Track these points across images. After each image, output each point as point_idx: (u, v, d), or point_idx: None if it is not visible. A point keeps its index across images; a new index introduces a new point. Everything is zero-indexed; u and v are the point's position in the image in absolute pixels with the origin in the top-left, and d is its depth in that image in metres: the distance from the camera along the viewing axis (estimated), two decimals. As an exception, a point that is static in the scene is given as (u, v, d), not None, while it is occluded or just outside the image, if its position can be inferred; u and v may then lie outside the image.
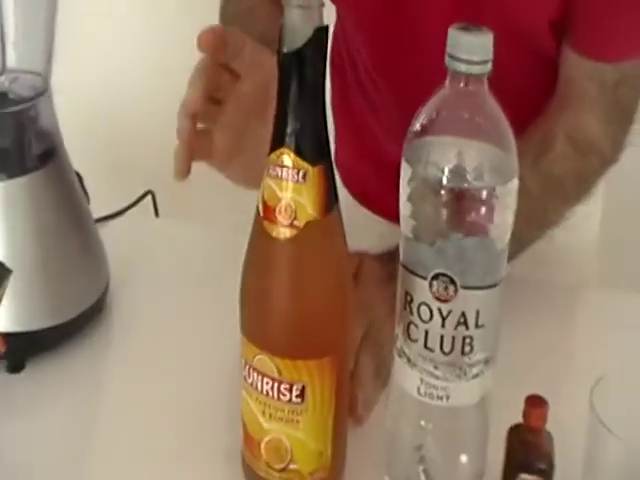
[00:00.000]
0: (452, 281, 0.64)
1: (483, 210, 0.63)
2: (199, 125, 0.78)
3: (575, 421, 0.68)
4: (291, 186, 0.64)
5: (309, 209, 0.64)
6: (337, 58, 1.14)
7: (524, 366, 0.84)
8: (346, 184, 1.18)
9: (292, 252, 0.65)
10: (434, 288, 0.65)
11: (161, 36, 1.97)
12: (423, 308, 0.66)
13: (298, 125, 0.63)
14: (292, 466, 0.71)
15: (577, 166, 0.92)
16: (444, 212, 0.63)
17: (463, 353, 0.67)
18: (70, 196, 0.85)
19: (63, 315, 0.84)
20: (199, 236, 0.99)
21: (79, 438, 0.81)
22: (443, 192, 0.62)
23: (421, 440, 0.70)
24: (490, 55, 0.61)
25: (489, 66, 0.61)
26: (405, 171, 0.64)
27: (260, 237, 0.66)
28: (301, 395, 0.68)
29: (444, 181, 0.62)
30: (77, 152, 0.89)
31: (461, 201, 0.63)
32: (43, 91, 0.81)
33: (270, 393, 0.69)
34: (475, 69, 0.61)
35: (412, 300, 0.67)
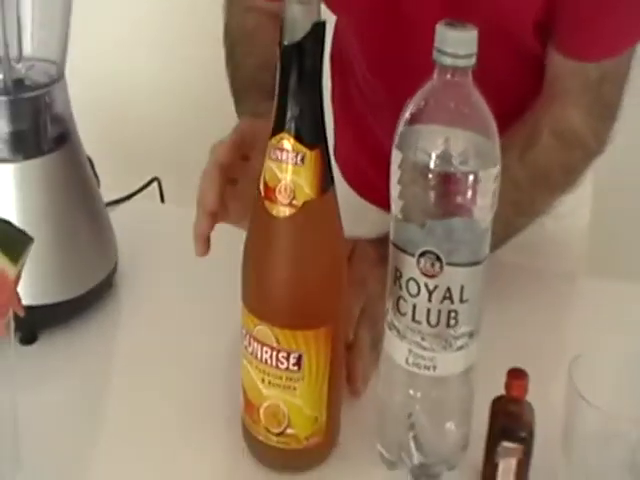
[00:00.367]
0: (438, 258, 0.69)
1: (467, 193, 0.68)
2: None
3: (554, 393, 0.72)
4: (290, 168, 0.69)
5: (307, 189, 0.69)
6: (337, 56, 1.18)
7: (510, 343, 0.88)
8: (344, 174, 1.23)
9: (291, 229, 0.70)
10: (421, 264, 0.70)
11: (172, 26, 2.01)
12: (411, 283, 0.71)
13: (297, 112, 0.68)
14: (289, 431, 0.76)
15: (562, 158, 0.96)
16: (431, 194, 0.68)
17: (448, 326, 0.72)
18: (82, 178, 0.90)
19: (74, 290, 0.88)
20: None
21: (89, 407, 0.86)
22: (431, 176, 0.67)
23: (410, 408, 0.75)
24: (474, 49, 0.66)
25: (473, 59, 0.66)
26: (396, 156, 0.69)
27: (261, 215, 0.71)
28: (298, 363, 0.73)
29: (432, 165, 0.67)
30: (87, 138, 0.93)
31: (447, 184, 0.68)
32: (58, 78, 0.85)
33: (269, 361, 0.73)
34: (460, 62, 0.66)
35: (401, 276, 0.71)
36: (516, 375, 0.75)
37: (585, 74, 0.95)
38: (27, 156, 0.85)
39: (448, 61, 0.66)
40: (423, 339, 0.72)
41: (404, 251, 0.71)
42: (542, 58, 0.98)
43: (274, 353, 0.73)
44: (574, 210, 1.01)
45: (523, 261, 0.97)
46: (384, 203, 1.14)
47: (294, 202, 0.69)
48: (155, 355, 0.90)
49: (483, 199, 0.68)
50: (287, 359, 0.73)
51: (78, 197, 0.89)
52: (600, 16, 0.91)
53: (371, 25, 0.99)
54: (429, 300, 0.71)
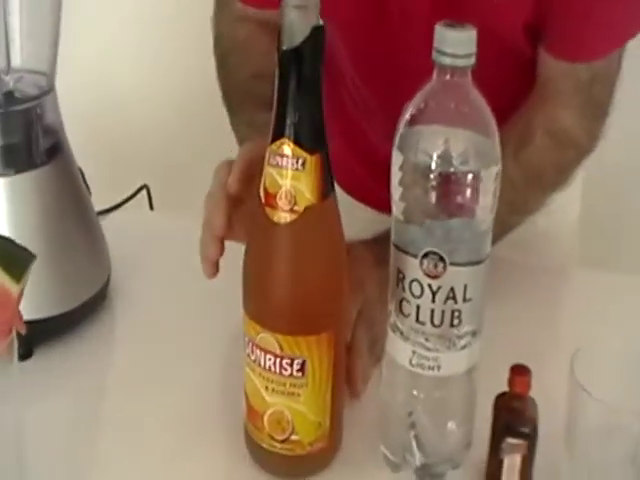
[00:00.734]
0: (441, 259, 0.69)
1: (469, 193, 0.68)
2: None
3: (556, 388, 0.72)
4: (291, 174, 0.69)
5: (308, 195, 0.69)
6: (327, 61, 1.18)
7: (509, 340, 0.88)
8: (335, 175, 1.23)
9: (292, 235, 0.70)
10: (424, 265, 0.70)
11: (158, 33, 1.99)
12: (414, 284, 0.71)
13: (297, 117, 0.68)
14: (293, 437, 0.76)
15: (556, 158, 0.97)
16: (433, 195, 0.68)
17: (452, 325, 0.72)
18: (74, 190, 0.89)
19: (69, 304, 0.87)
20: (193, 227, 1.03)
21: (86, 420, 0.85)
22: (432, 176, 0.68)
23: (412, 408, 0.75)
24: (473, 49, 0.66)
25: (473, 59, 0.66)
26: (396, 158, 0.69)
27: (262, 223, 0.71)
28: (302, 369, 0.73)
29: (433, 166, 0.67)
30: (73, 147, 0.92)
31: (449, 184, 0.68)
32: (49, 90, 0.84)
33: (273, 368, 0.73)
34: (460, 62, 0.66)
35: (404, 277, 0.72)
36: (519, 371, 0.75)
37: (576, 75, 0.96)
38: (19, 170, 0.84)
39: (447, 61, 0.66)
40: (427, 340, 0.72)
41: (406, 252, 0.71)
42: (532, 59, 0.99)
43: (278, 360, 0.73)
44: (564, 206, 1.02)
45: (516, 257, 0.97)
46: (375, 203, 1.15)
47: (295, 208, 0.69)
48: (152, 366, 0.90)
49: (485, 198, 0.68)
50: (291, 365, 0.73)
51: (71, 209, 0.89)
52: (589, 17, 0.92)
53: (359, 32, 0.99)
54: (433, 301, 0.71)
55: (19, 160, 0.85)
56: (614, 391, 0.70)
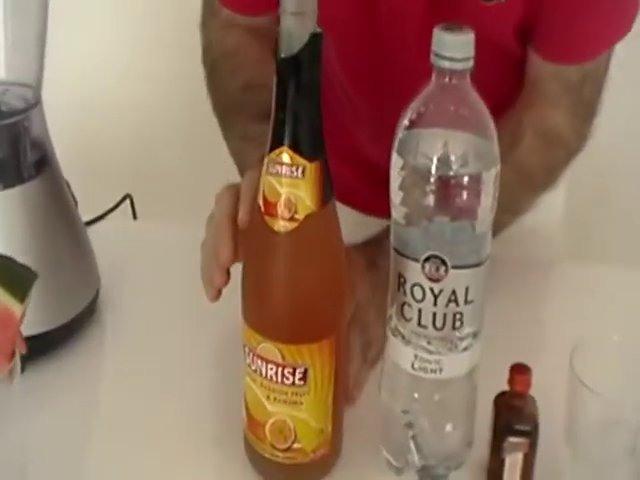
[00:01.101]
0: (443, 262, 0.69)
1: (470, 195, 0.68)
2: None
3: (555, 386, 0.73)
4: (291, 182, 0.68)
5: (308, 202, 0.68)
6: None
7: (505, 339, 0.89)
8: None
9: (294, 244, 0.70)
10: (426, 269, 0.70)
11: (142, 45, 1.99)
12: (416, 288, 0.71)
13: (296, 125, 0.67)
14: (296, 445, 0.75)
15: (545, 158, 0.98)
16: (434, 198, 0.68)
17: (454, 328, 0.72)
18: (62, 203, 0.87)
19: (59, 319, 0.86)
20: (178, 237, 1.02)
21: (79, 435, 0.84)
22: (432, 180, 0.68)
23: (414, 412, 0.75)
24: (471, 52, 0.66)
25: (471, 62, 0.66)
26: (396, 162, 0.69)
27: (261, 232, 0.70)
28: (304, 377, 0.72)
29: (433, 169, 0.67)
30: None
31: (450, 187, 0.68)
32: (35, 103, 0.83)
33: (274, 378, 0.73)
34: (458, 65, 0.66)
35: (405, 281, 0.71)
36: (520, 370, 0.75)
37: (566, 76, 0.97)
38: (7, 185, 0.82)
39: (446, 64, 0.66)
40: (429, 343, 0.72)
41: (407, 257, 0.71)
42: (522, 60, 0.99)
43: (279, 369, 0.72)
44: (549, 202, 1.02)
45: (502, 254, 0.98)
46: (361, 205, 1.14)
47: (296, 216, 0.68)
48: (144, 379, 0.88)
49: (486, 199, 0.69)
50: (293, 374, 0.72)
51: (60, 223, 0.87)
52: (578, 19, 0.93)
53: (349, 34, 0.99)
54: (435, 304, 0.71)
55: (7, 175, 0.83)
56: (613, 385, 0.71)
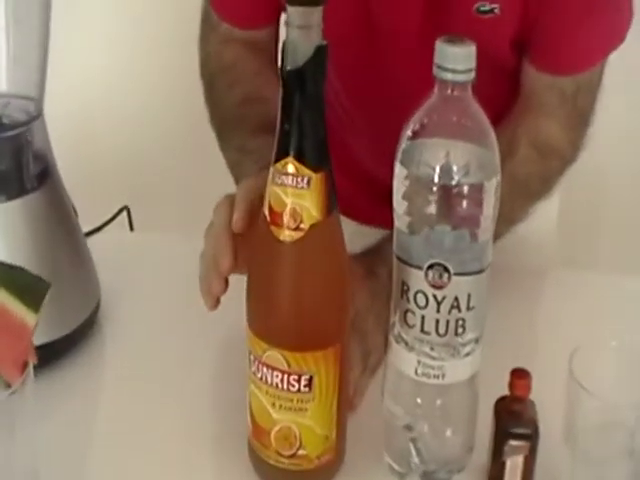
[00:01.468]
0: (446, 269, 0.71)
1: (472, 203, 0.69)
2: None
3: (553, 390, 0.74)
4: (296, 192, 0.69)
5: (313, 212, 0.69)
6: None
7: (501, 345, 0.90)
8: None
9: (299, 253, 0.71)
10: (429, 277, 0.71)
11: (141, 57, 2.00)
12: (419, 296, 0.72)
13: (301, 136, 0.68)
14: (301, 452, 0.76)
15: (540, 168, 1.00)
16: (437, 207, 0.69)
17: (456, 334, 0.73)
18: (64, 214, 0.88)
19: (61, 330, 0.87)
20: (176, 247, 1.03)
21: (80, 446, 0.84)
22: (436, 189, 0.69)
23: (417, 417, 0.76)
24: (473, 64, 0.67)
25: (472, 74, 0.68)
26: (400, 172, 0.70)
27: (267, 241, 0.71)
28: (309, 385, 0.73)
29: (437, 179, 0.69)
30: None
31: (452, 196, 0.69)
32: (37, 115, 0.83)
33: (280, 385, 0.74)
34: (460, 77, 0.67)
35: (408, 289, 0.73)
36: (520, 375, 0.77)
37: (560, 87, 0.99)
38: (10, 197, 0.83)
39: (448, 76, 0.67)
40: (432, 349, 0.74)
41: (411, 265, 0.72)
42: (517, 71, 1.01)
43: (285, 377, 0.73)
44: (543, 210, 1.04)
45: (496, 261, 0.99)
46: (357, 215, 1.15)
47: (301, 225, 0.69)
48: (145, 389, 0.89)
49: (488, 208, 0.70)
50: (298, 381, 0.73)
51: (61, 234, 0.88)
52: (573, 32, 0.95)
53: (347, 49, 1.01)
54: (438, 311, 0.72)
55: (10, 187, 0.83)
56: (610, 388, 0.73)
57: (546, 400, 0.76)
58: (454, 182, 0.69)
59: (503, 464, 0.77)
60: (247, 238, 0.81)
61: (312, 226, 0.70)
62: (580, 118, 1.01)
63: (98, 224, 1.05)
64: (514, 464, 0.77)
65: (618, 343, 0.76)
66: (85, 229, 0.96)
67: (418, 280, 0.72)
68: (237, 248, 0.81)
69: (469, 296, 0.72)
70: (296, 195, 0.69)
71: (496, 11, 0.94)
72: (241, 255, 0.81)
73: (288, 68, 0.67)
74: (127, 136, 1.94)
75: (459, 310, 0.72)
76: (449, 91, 0.68)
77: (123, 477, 0.81)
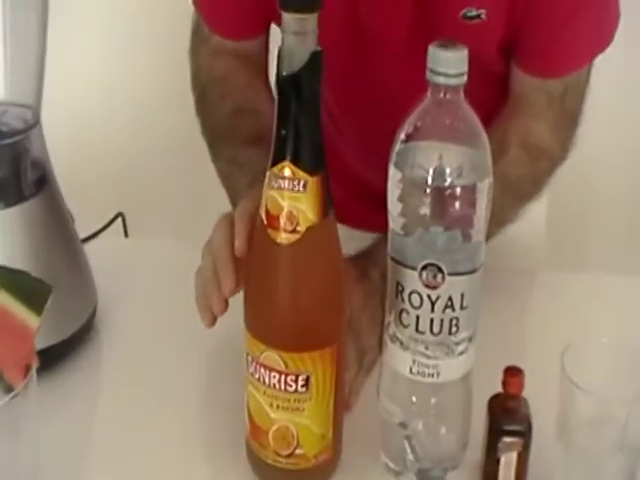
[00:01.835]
0: (440, 269, 0.72)
1: (466, 204, 0.71)
2: None
3: (545, 387, 0.75)
4: (293, 196, 0.70)
5: (310, 215, 0.71)
6: None
7: (493, 344, 0.91)
8: None
9: (296, 255, 0.72)
10: (424, 277, 0.73)
11: (135, 66, 2.00)
12: (414, 296, 0.73)
13: (297, 140, 0.69)
14: (298, 451, 0.77)
15: (530, 169, 1.01)
16: (431, 208, 0.71)
17: (450, 333, 0.74)
18: (61, 220, 0.89)
19: (59, 335, 0.87)
20: (170, 253, 1.04)
21: (74, 454, 0.85)
22: (429, 191, 0.70)
23: (412, 416, 0.78)
24: (465, 68, 0.69)
25: (465, 78, 0.69)
26: (394, 174, 0.71)
27: (264, 244, 0.72)
28: (306, 384, 0.75)
29: (431, 181, 0.70)
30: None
31: (445, 198, 0.71)
32: (35, 123, 0.84)
33: (277, 385, 0.75)
34: (453, 81, 0.69)
35: (403, 289, 0.74)
36: (513, 373, 0.78)
37: (548, 90, 1.00)
38: (8, 204, 0.84)
39: (441, 80, 0.69)
40: (427, 348, 0.75)
41: (405, 265, 0.73)
42: (505, 75, 1.02)
43: (282, 377, 0.75)
44: (532, 212, 1.05)
45: (486, 262, 1.00)
46: (348, 220, 1.16)
47: (298, 228, 0.71)
48: (142, 395, 0.90)
49: (480, 209, 0.71)
50: (295, 381, 0.75)
51: (59, 241, 0.88)
52: (560, 35, 0.96)
53: (338, 63, 1.01)
54: (432, 310, 0.73)
55: (8, 194, 0.84)
56: (602, 384, 0.74)
57: (538, 397, 0.77)
58: (447, 184, 0.70)
59: (497, 460, 0.78)
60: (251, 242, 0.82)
61: (308, 229, 0.71)
62: (568, 119, 1.03)
63: (92, 230, 1.06)
64: (508, 460, 0.78)
65: (608, 340, 0.77)
66: (80, 235, 0.97)
67: (412, 280, 0.73)
68: (238, 268, 0.82)
69: (462, 296, 0.73)
70: (293, 198, 0.70)
71: (483, 16, 0.96)
72: (242, 276, 0.81)
73: (284, 74, 0.68)
74: (121, 143, 1.95)
75: (453, 309, 0.73)
76: (442, 94, 0.69)
77: (122, 477, 0.81)
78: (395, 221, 0.73)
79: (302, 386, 0.75)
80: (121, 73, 1.99)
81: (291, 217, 0.71)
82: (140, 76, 1.95)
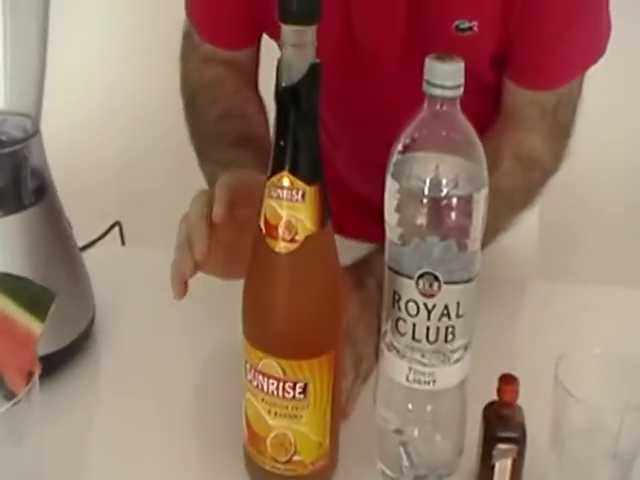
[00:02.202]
0: (436, 278, 0.73)
1: (462, 215, 0.72)
2: None
3: (539, 396, 0.76)
4: (291, 205, 0.71)
5: (308, 224, 0.72)
6: None
7: (487, 353, 0.92)
8: None
9: (294, 264, 0.73)
10: (420, 286, 0.74)
11: (128, 72, 2.01)
12: (410, 304, 0.75)
13: (296, 151, 0.70)
14: (295, 458, 0.78)
15: (523, 180, 1.02)
16: (427, 218, 0.72)
17: (446, 341, 0.76)
18: (60, 229, 0.90)
19: (58, 343, 0.88)
20: (168, 262, 1.04)
21: (74, 460, 0.85)
22: (426, 201, 0.71)
23: (408, 423, 0.79)
24: (461, 80, 0.70)
25: (461, 90, 0.70)
26: (391, 185, 0.73)
27: (263, 253, 0.73)
28: (304, 392, 0.75)
29: (426, 191, 0.71)
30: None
31: (442, 208, 0.72)
32: (34, 132, 0.85)
33: (275, 392, 0.76)
34: (449, 93, 0.70)
35: (400, 298, 0.75)
36: (508, 381, 0.79)
37: (541, 102, 1.02)
38: (7, 212, 0.84)
39: (437, 92, 0.70)
40: (423, 356, 0.76)
41: (402, 274, 0.74)
42: (498, 87, 1.03)
43: (280, 384, 0.75)
44: (524, 223, 1.07)
45: (481, 273, 1.01)
46: (342, 230, 1.17)
47: (296, 237, 0.72)
48: (139, 403, 0.91)
49: (476, 219, 0.72)
50: (293, 389, 0.75)
51: (58, 249, 0.89)
52: (553, 48, 0.97)
53: (333, 78, 1.03)
54: (428, 319, 0.74)
55: (7, 202, 0.85)
56: (595, 393, 0.75)
57: (533, 405, 0.78)
58: (443, 194, 0.71)
59: (492, 467, 0.79)
60: (222, 232, 0.83)
61: (307, 238, 0.72)
62: (561, 130, 1.04)
63: (90, 239, 1.06)
64: (502, 467, 0.79)
65: (601, 350, 0.78)
66: (78, 244, 0.97)
67: (409, 289, 0.74)
68: (212, 237, 0.83)
69: (458, 304, 0.74)
70: (291, 208, 0.71)
71: (475, 29, 0.97)
72: (214, 246, 0.82)
73: (283, 85, 0.69)
74: (119, 152, 1.96)
75: (449, 318, 0.74)
76: (438, 106, 0.70)
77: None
78: (392, 231, 0.74)
79: (300, 393, 0.76)
80: (122, 83, 2.00)
81: (289, 226, 0.71)
82: (141, 87, 1.96)
